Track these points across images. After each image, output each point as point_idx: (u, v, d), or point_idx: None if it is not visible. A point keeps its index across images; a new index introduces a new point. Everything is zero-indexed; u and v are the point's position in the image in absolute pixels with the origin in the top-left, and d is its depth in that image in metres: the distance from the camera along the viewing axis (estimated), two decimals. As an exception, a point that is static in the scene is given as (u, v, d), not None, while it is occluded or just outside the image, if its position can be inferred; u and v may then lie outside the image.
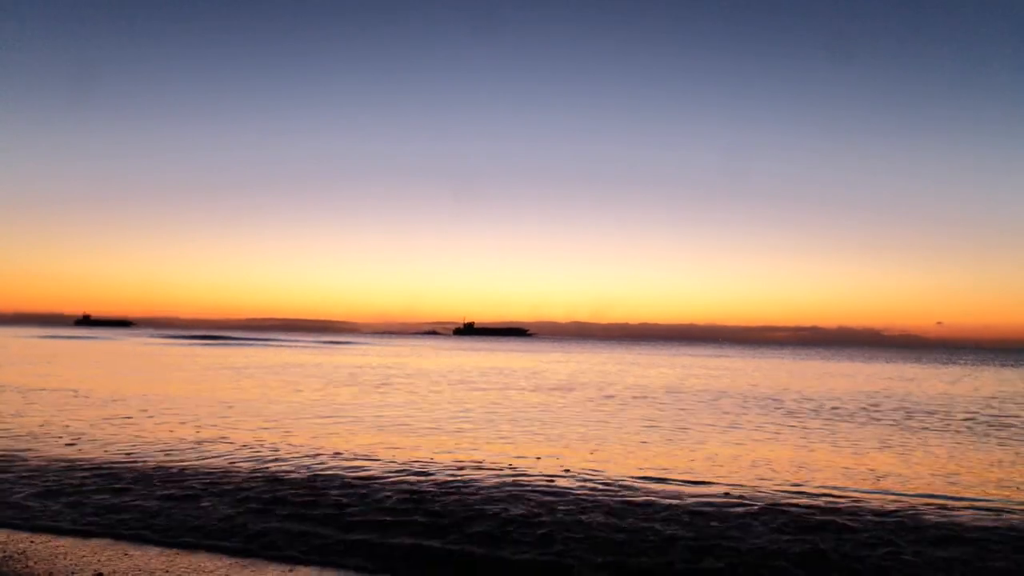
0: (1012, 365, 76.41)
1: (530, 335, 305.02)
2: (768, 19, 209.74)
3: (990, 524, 8.95)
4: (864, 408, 23.96)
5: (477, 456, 13.12)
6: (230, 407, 19.59)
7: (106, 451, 12.37)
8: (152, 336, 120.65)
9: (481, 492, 10.01)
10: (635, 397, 26.29)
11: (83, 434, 14.08)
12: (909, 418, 21.23)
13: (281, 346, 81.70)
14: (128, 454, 12.13)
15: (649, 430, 17.19)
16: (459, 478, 10.97)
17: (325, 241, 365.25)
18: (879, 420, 20.55)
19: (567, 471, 11.73)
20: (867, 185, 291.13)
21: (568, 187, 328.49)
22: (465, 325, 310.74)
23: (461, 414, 19.77)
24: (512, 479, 10.97)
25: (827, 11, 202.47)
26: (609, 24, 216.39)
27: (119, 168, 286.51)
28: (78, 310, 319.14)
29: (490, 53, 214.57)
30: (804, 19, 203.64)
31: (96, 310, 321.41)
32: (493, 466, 12.01)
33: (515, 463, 12.45)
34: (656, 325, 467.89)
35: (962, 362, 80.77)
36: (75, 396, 21.26)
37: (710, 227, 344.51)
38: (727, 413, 21.30)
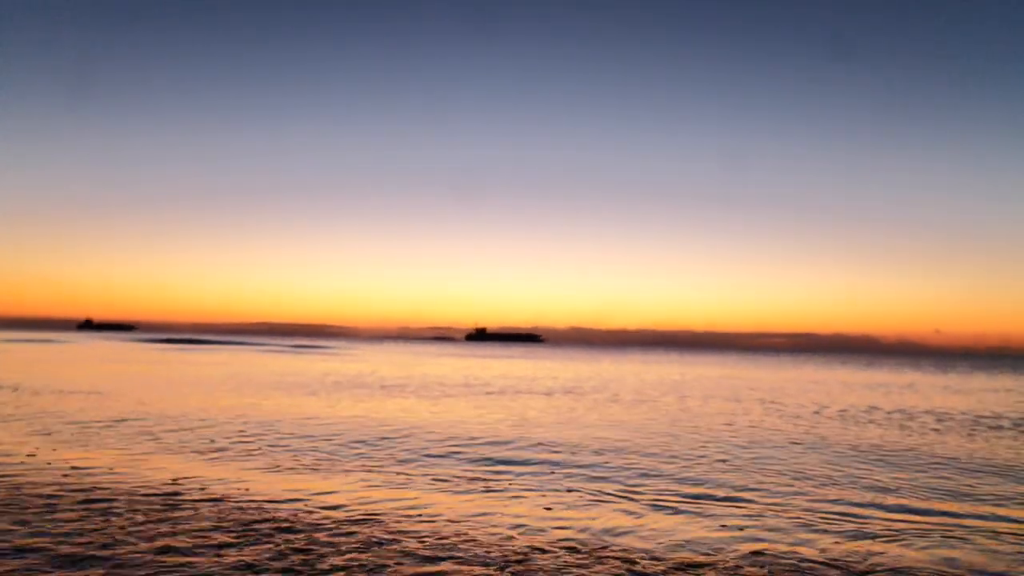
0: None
1: (542, 341, 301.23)
2: (767, 28, 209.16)
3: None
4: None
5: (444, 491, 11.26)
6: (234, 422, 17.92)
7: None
8: (135, 341, 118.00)
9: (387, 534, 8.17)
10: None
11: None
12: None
13: (281, 352, 78.11)
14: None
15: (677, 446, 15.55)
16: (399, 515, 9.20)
17: (328, 245, 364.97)
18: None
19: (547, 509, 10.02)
20: (864, 192, 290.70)
21: (567, 193, 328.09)
22: (477, 330, 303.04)
23: (470, 427, 18.01)
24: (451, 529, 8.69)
25: (824, 20, 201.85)
26: (610, 29, 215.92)
27: (120, 173, 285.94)
28: (80, 314, 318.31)
29: (492, 58, 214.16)
30: (802, 29, 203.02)
31: (98, 314, 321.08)
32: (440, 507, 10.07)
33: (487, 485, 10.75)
34: (654, 331, 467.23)
35: (978, 371, 78.47)
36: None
37: (707, 233, 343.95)
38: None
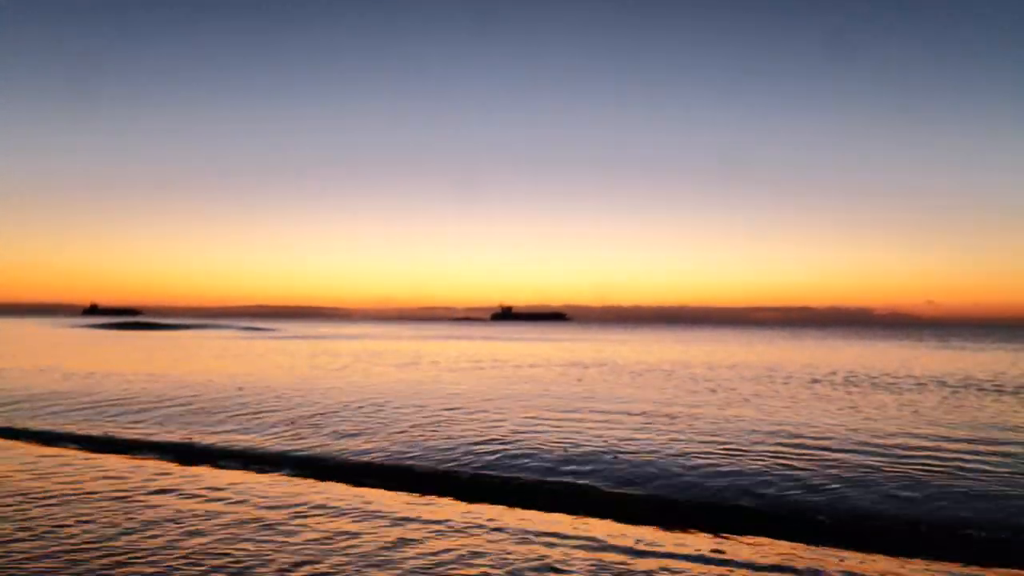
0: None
1: (568, 319, 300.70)
2: (763, 3, 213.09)
3: None
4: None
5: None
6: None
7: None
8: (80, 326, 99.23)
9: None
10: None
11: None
12: None
13: (304, 338, 63.71)
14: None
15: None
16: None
17: (337, 228, 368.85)
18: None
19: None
20: (856, 165, 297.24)
21: (560, 171, 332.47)
22: (503, 310, 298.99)
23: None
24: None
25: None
26: (612, 9, 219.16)
27: (123, 158, 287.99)
28: (85, 300, 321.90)
29: (499, 34, 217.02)
30: (799, 6, 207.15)
31: (103, 299, 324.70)
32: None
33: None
34: (648, 307, 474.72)
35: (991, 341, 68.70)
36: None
37: (700, 208, 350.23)
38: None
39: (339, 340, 60.53)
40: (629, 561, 6.38)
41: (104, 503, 8.21)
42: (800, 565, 6.46)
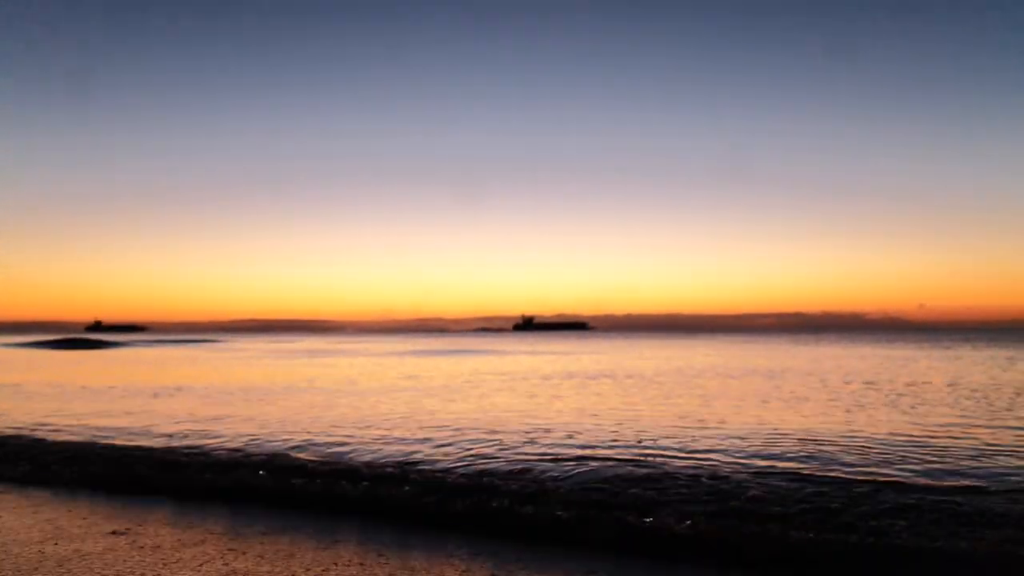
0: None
1: (590, 328, 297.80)
2: (764, 10, 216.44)
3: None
4: None
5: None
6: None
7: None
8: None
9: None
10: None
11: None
12: None
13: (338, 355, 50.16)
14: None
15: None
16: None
17: (338, 241, 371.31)
18: None
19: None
20: (849, 170, 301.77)
21: (554, 178, 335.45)
22: (524, 320, 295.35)
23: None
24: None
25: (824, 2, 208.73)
26: (614, 13, 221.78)
27: (121, 174, 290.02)
28: (87, 316, 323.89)
29: (494, 41, 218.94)
30: (800, 12, 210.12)
31: (106, 316, 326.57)
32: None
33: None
34: (641, 315, 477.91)
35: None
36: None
37: (693, 215, 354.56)
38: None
39: (434, 357, 47.69)
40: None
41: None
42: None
